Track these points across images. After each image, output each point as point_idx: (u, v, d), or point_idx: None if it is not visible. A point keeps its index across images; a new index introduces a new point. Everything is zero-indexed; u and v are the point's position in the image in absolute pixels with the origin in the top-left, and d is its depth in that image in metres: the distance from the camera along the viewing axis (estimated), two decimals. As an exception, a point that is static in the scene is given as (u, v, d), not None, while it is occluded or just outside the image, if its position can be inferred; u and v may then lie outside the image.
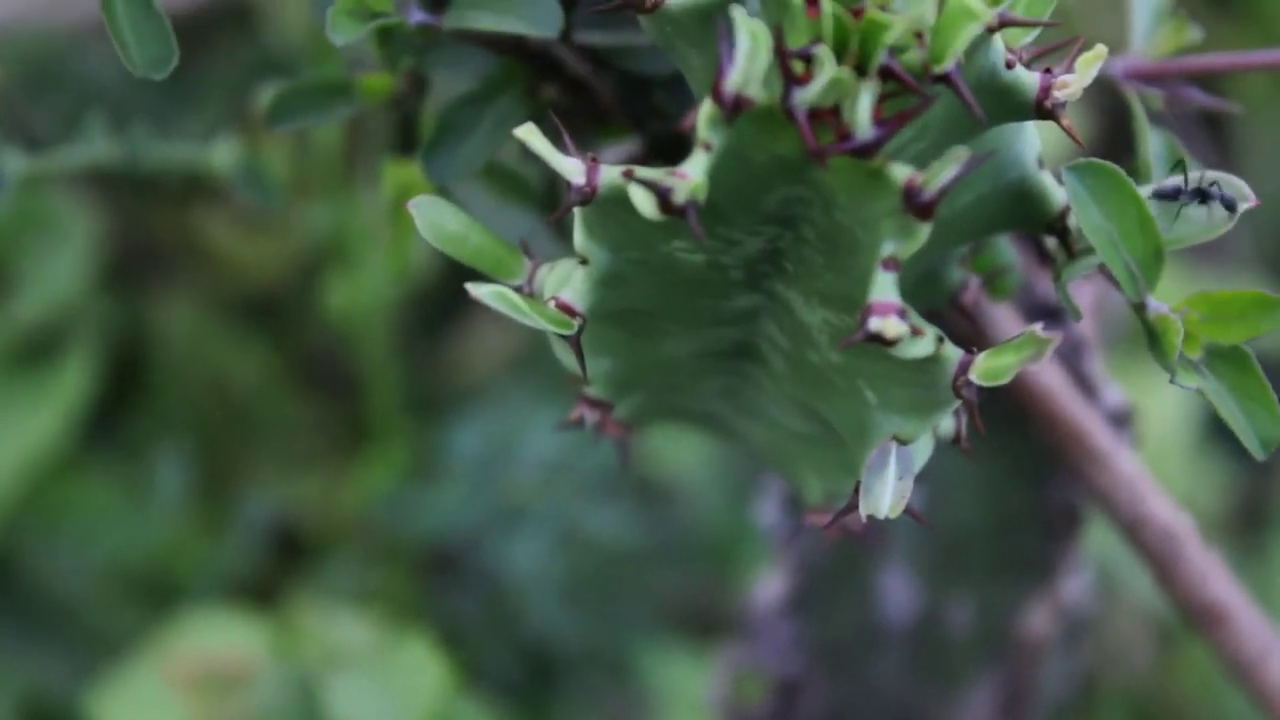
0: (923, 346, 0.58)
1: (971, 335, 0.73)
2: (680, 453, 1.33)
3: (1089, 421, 0.77)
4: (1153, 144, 0.69)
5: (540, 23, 0.67)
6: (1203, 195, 0.64)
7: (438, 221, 0.63)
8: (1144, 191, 0.64)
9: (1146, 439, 1.40)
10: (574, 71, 0.72)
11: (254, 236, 1.40)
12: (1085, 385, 0.80)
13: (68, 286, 1.24)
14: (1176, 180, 0.64)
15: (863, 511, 0.61)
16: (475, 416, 1.16)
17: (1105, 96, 0.89)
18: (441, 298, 1.37)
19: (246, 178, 0.88)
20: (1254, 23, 1.81)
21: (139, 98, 1.29)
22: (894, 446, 0.62)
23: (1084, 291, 0.83)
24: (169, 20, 0.66)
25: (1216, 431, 1.49)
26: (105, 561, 1.25)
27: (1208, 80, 0.74)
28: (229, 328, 1.40)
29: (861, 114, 0.55)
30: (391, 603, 1.24)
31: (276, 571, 1.31)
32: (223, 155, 0.89)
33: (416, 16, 0.67)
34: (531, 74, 0.73)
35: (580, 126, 0.75)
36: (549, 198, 0.76)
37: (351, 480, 1.26)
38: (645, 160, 0.74)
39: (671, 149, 0.73)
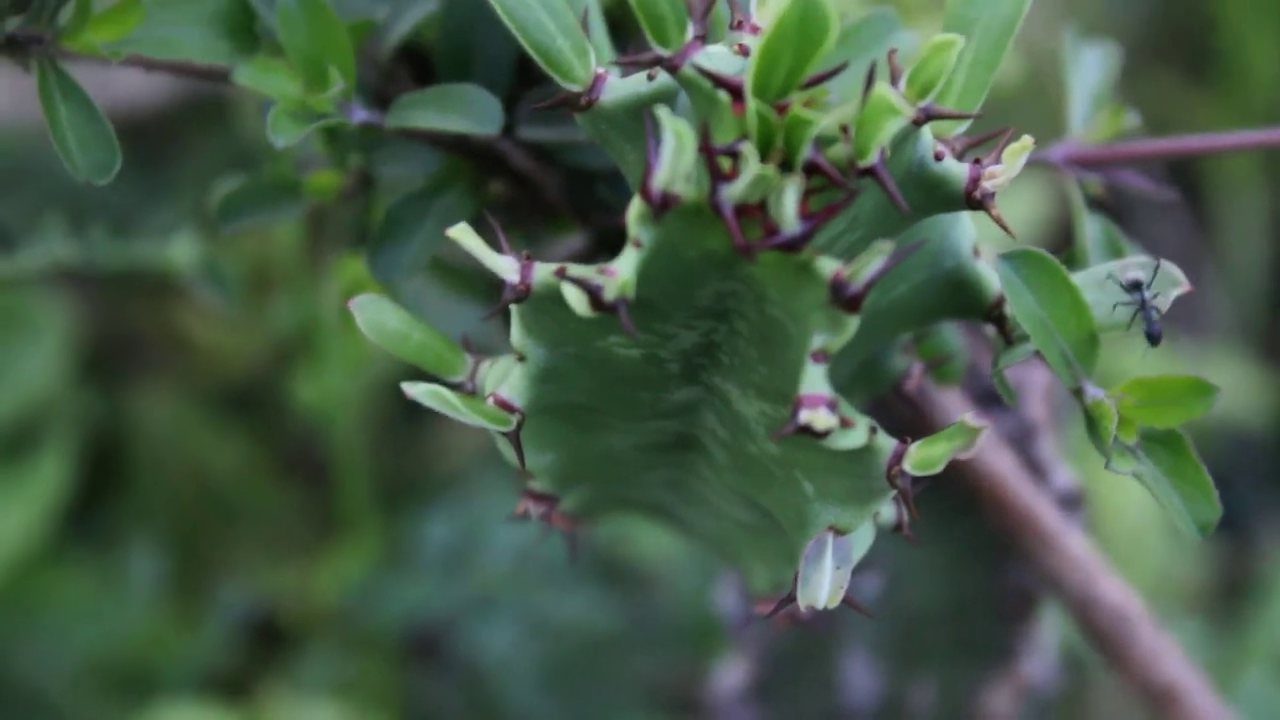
0: (854, 438, 0.58)
1: (916, 422, 0.73)
2: (659, 538, 1.34)
3: (1038, 504, 0.78)
4: (1090, 230, 0.70)
5: (482, 120, 0.67)
6: (1144, 306, 0.64)
7: (378, 320, 0.64)
8: (1099, 273, 0.64)
9: (1124, 513, 1.40)
10: (519, 167, 0.73)
11: (232, 328, 1.41)
12: (1035, 469, 0.81)
13: (43, 382, 1.25)
14: (1141, 277, 0.64)
15: (800, 602, 0.62)
16: (447, 505, 1.17)
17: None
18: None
19: (205, 274, 0.89)
20: (1230, 94, 1.82)
21: (112, 194, 1.29)
22: (830, 537, 0.62)
23: (1036, 376, 0.84)
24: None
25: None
26: (82, 655, 1.25)
27: (1183, 158, 0.74)
28: (208, 419, 1.41)
29: (787, 209, 0.55)
30: (369, 692, 1.24)
31: (255, 662, 1.31)
32: (182, 252, 0.90)
33: (359, 116, 0.68)
34: (477, 170, 0.73)
35: (529, 221, 0.76)
36: (496, 293, 0.76)
37: (323, 569, 1.27)
38: (593, 254, 0.75)
39: (619, 242, 0.74)
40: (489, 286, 0.77)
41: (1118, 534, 1.38)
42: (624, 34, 0.71)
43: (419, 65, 0.74)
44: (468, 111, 0.68)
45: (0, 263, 0.88)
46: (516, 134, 0.72)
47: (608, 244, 0.75)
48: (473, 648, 1.19)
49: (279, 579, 1.34)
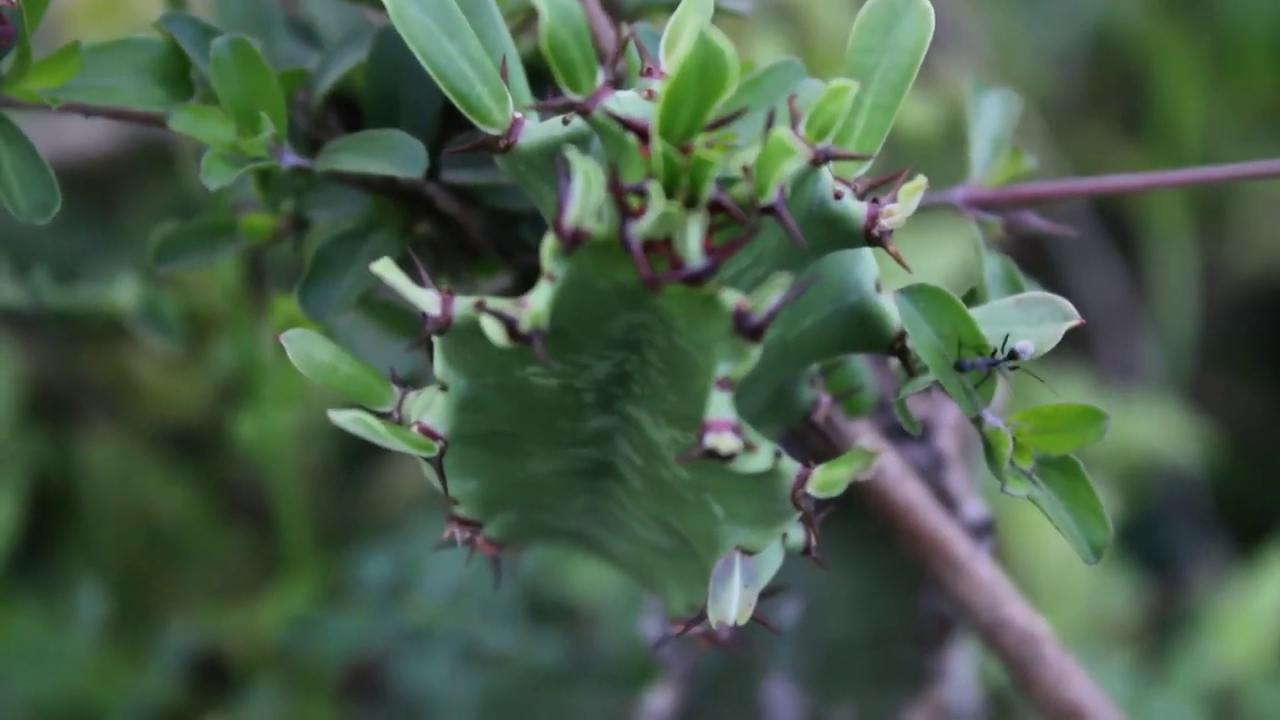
0: (758, 461, 0.61)
1: (828, 454, 0.76)
2: (601, 576, 1.36)
3: (948, 532, 0.81)
4: (989, 267, 0.73)
5: (406, 163, 0.70)
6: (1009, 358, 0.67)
7: (308, 352, 0.66)
8: (998, 307, 0.67)
9: (1054, 549, 1.43)
10: (444, 209, 0.76)
11: (180, 371, 1.43)
12: (946, 499, 0.84)
13: (-11, 425, 1.27)
14: (1026, 356, 0.66)
15: (711, 619, 0.65)
16: (387, 545, 1.19)
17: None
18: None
19: (146, 315, 0.91)
20: (1160, 147, 1.86)
21: (62, 241, 1.32)
22: (739, 556, 0.65)
23: (947, 411, 0.87)
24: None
25: (1125, 541, 1.53)
26: (28, 695, 1.27)
27: (1124, 208, 0.77)
28: (154, 462, 1.43)
29: (691, 244, 0.58)
30: (311, 728, 1.26)
31: (200, 702, 1.33)
32: (125, 295, 0.92)
33: (290, 160, 0.71)
34: (405, 212, 0.76)
35: (455, 263, 0.79)
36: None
37: (265, 609, 1.29)
38: (518, 294, 0.78)
39: (543, 280, 0.77)
40: (418, 323, 0.79)
41: (1046, 572, 1.41)
42: (546, 83, 0.74)
43: (349, 112, 0.77)
44: (393, 155, 0.71)
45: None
46: (441, 177, 0.75)
47: (531, 284, 0.78)
48: (410, 683, 1.21)
49: (224, 620, 1.36)
